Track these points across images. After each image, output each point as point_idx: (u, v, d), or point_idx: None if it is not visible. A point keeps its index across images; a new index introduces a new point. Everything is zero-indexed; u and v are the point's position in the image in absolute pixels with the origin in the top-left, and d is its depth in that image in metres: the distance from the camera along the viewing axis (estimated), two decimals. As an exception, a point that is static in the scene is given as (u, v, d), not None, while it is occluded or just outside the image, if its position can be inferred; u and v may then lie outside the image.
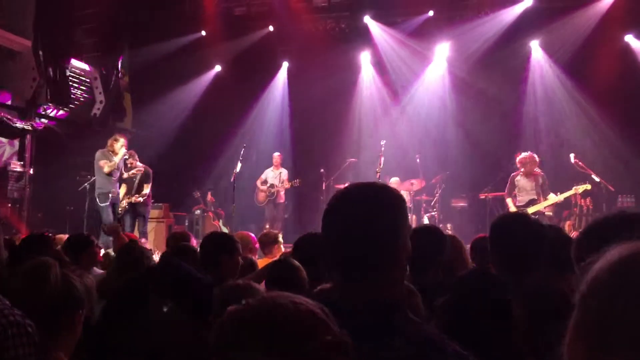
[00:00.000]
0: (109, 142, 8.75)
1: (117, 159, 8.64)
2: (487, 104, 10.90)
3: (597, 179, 8.44)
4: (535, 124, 10.80)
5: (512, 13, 10.68)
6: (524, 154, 8.63)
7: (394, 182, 10.26)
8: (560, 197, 8.37)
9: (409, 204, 9.99)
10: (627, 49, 10.32)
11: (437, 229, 3.56)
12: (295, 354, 0.92)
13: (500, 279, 2.33)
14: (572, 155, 8.76)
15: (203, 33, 12.11)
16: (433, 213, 10.02)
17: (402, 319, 1.43)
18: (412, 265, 3.20)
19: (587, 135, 10.17)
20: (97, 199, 8.56)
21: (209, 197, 11.36)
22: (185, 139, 11.79)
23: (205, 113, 12.28)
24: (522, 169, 8.57)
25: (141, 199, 8.72)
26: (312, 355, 0.94)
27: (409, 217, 9.41)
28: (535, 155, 8.64)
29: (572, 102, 10.65)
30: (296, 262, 3.17)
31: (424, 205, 10.15)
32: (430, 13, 10.94)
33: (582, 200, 8.84)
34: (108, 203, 8.49)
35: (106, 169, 8.54)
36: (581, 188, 8.23)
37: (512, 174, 8.79)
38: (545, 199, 8.39)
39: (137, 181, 8.84)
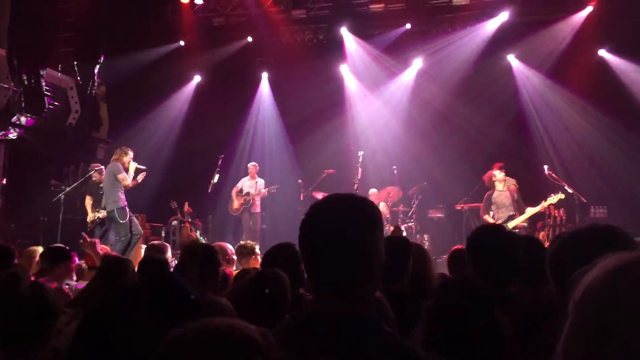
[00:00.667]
0: (118, 155, 8.59)
1: (132, 172, 8.51)
2: (462, 117, 11.07)
3: (570, 191, 8.60)
4: (511, 136, 10.97)
5: (488, 27, 10.91)
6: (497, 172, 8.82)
7: (372, 193, 10.34)
8: (537, 209, 8.55)
9: (387, 215, 10.06)
10: (601, 62, 10.59)
11: (404, 238, 3.58)
12: None
13: (484, 287, 2.35)
14: (545, 167, 8.92)
15: (182, 43, 12.09)
16: (410, 224, 10.08)
17: (378, 333, 1.43)
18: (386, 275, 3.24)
19: (563, 147, 10.38)
20: (116, 215, 8.30)
21: (186, 207, 11.26)
22: (163, 148, 11.70)
23: (183, 123, 12.23)
24: (495, 185, 8.81)
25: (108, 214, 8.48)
26: None
27: (386, 228, 9.57)
28: (497, 171, 8.81)
29: (547, 113, 10.88)
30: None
31: (401, 216, 10.22)
32: (408, 26, 11.11)
33: (556, 211, 8.98)
34: (127, 219, 8.33)
35: (127, 182, 8.37)
36: (555, 198, 8.40)
37: (488, 192, 8.93)
38: (523, 213, 8.55)
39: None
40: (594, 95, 10.16)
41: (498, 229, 3.05)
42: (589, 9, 10.29)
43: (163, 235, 10.87)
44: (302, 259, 1.56)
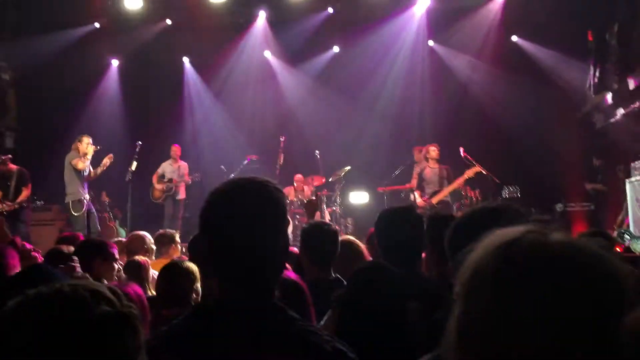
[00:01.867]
0: (73, 145, 8.46)
1: (89, 156, 8.36)
2: (383, 102, 11.26)
3: (483, 172, 8.90)
4: (426, 118, 11.25)
5: (412, 13, 11.10)
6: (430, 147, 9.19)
7: (297, 179, 10.34)
8: (454, 185, 8.99)
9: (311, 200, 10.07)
10: (516, 48, 11.03)
11: (329, 224, 3.58)
12: (61, 329, 0.94)
13: (396, 272, 2.36)
14: (461, 149, 9.20)
15: (97, 25, 11.56)
16: (334, 208, 10.17)
17: (283, 320, 1.42)
18: (309, 261, 3.22)
19: (478, 129, 10.74)
20: (71, 208, 8.20)
21: (104, 197, 10.86)
22: (75, 135, 11.16)
23: (100, 109, 11.73)
24: (427, 161, 9.22)
25: (17, 205, 8.16)
26: (87, 328, 0.95)
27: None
28: (433, 148, 9.17)
29: (465, 98, 11.22)
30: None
31: (325, 200, 10.27)
32: (330, 10, 11.11)
33: (472, 192, 9.30)
34: (83, 211, 8.13)
35: (80, 165, 8.23)
36: (472, 172, 8.81)
37: (418, 168, 9.33)
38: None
39: (12, 185, 8.20)
40: (508, 79, 10.56)
41: (401, 211, 3.05)
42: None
43: (79, 226, 10.44)
44: (205, 247, 1.50)
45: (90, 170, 8.61)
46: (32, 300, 0.98)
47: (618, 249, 5.46)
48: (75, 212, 8.22)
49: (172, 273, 3.09)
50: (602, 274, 0.82)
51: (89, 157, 8.39)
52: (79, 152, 8.44)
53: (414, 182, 9.40)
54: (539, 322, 0.80)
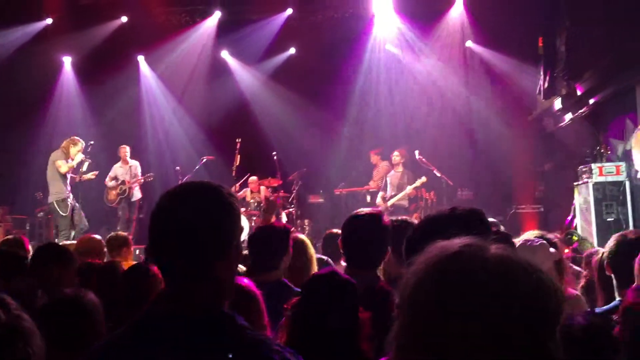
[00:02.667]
0: (65, 143, 8.29)
1: (74, 162, 8.22)
2: (340, 104, 11.34)
3: (438, 174, 9.06)
4: (383, 121, 11.38)
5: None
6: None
7: (252, 180, 10.26)
8: (407, 191, 9.26)
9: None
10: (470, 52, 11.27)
11: (284, 226, 3.53)
12: None
13: (349, 280, 2.33)
14: (416, 152, 9.33)
15: (49, 21, 11.19)
16: (291, 209, 10.15)
17: (231, 329, 1.37)
18: (255, 265, 3.17)
19: (433, 133, 10.91)
20: (57, 208, 8.07)
21: (54, 198, 10.52)
22: (25, 134, 10.80)
23: (50, 107, 11.38)
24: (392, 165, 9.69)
25: None
26: None
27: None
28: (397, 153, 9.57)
29: (421, 101, 11.38)
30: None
31: (282, 202, 10.24)
32: (289, 11, 11.07)
33: (427, 194, 9.46)
34: (68, 211, 7.97)
35: (63, 169, 8.08)
36: (419, 182, 9.18)
37: (382, 171, 9.79)
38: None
39: None
40: (462, 83, 10.78)
41: (369, 217, 2.98)
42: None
43: (28, 228, 10.11)
44: (154, 251, 1.46)
45: (72, 176, 8.48)
46: None
47: (566, 250, 5.61)
48: (62, 212, 8.07)
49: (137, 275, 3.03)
50: (532, 289, 0.86)
51: (74, 164, 8.24)
52: (67, 154, 8.24)
53: (376, 184, 9.67)
54: (476, 337, 0.84)
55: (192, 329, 1.34)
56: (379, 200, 9.60)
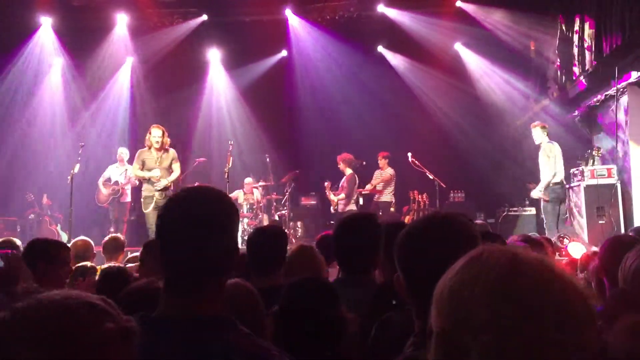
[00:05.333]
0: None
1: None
2: (333, 105, 11.34)
3: (430, 177, 9.07)
4: (379, 125, 11.40)
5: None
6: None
7: (247, 182, 10.22)
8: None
9: (261, 203, 10.03)
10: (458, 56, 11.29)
11: (279, 228, 3.49)
12: (70, 345, 0.92)
13: (331, 286, 2.31)
14: (409, 155, 9.34)
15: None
16: (283, 212, 10.13)
17: (232, 333, 1.38)
18: (253, 267, 3.14)
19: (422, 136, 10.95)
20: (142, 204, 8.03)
21: (45, 199, 10.44)
22: (12, 135, 10.72)
23: (38, 107, 11.28)
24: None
25: None
26: (91, 345, 0.94)
27: (261, 216, 9.51)
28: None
29: (412, 105, 11.40)
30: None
31: (274, 204, 10.23)
32: (288, 12, 11.02)
33: (419, 196, 9.46)
34: (151, 208, 7.82)
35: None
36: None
37: (389, 179, 9.66)
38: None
39: None
40: (454, 86, 10.81)
41: (364, 219, 2.98)
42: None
43: (19, 229, 10.04)
44: (159, 252, 1.47)
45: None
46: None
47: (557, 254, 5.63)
48: (144, 209, 8.09)
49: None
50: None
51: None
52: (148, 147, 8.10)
53: (372, 187, 9.71)
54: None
55: (196, 333, 1.35)
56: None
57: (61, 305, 0.95)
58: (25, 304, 0.96)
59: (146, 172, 7.99)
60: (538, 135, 7.84)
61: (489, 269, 0.85)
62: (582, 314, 0.82)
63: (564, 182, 7.75)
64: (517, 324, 0.80)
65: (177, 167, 8.11)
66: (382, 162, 9.84)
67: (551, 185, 7.54)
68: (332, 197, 9.46)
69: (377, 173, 9.82)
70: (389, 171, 9.66)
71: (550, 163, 7.56)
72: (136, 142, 11.31)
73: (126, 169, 10.01)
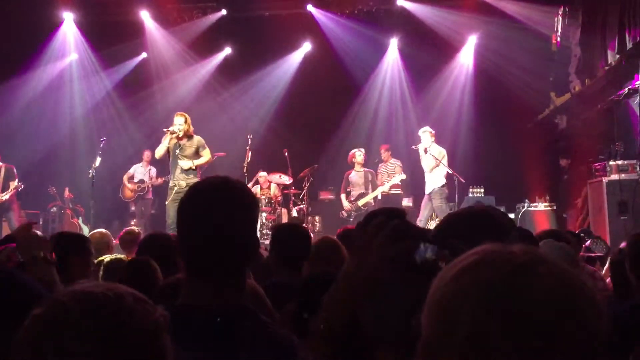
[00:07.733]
0: None
1: (165, 142, 7.73)
2: (349, 101, 11.34)
3: (450, 171, 9.01)
4: (394, 120, 11.37)
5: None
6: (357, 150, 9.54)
7: (262, 176, 10.24)
8: (385, 188, 9.33)
9: (278, 198, 10.06)
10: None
11: (300, 226, 3.48)
12: (124, 337, 0.90)
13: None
14: (428, 148, 9.24)
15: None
16: (302, 206, 10.14)
17: (256, 323, 1.40)
18: (276, 264, 3.14)
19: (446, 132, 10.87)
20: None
21: (67, 193, 10.62)
22: (34, 129, 10.84)
23: (58, 102, 11.42)
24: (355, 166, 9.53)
25: (7, 197, 8.85)
26: (143, 336, 0.92)
27: (278, 210, 9.54)
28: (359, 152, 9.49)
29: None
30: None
31: (293, 198, 10.25)
32: (310, 7, 10.97)
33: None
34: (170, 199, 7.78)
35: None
36: (398, 178, 9.25)
37: (346, 172, 9.61)
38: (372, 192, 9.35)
39: (1, 179, 8.73)
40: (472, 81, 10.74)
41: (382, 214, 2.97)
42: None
43: (41, 223, 10.20)
44: (179, 243, 1.50)
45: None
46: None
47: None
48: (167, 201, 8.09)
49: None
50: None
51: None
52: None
53: (342, 185, 9.74)
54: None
55: (223, 322, 1.36)
56: (345, 204, 9.49)
57: (108, 295, 0.92)
58: (67, 295, 0.92)
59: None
60: (427, 139, 8.63)
61: (480, 282, 0.78)
62: (574, 341, 0.75)
63: None
64: (498, 343, 0.74)
65: (206, 153, 7.95)
66: (385, 154, 9.89)
67: (443, 187, 8.59)
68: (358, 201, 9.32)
69: (381, 167, 9.84)
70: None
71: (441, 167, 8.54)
72: (152, 138, 11.45)
73: (149, 169, 10.31)
